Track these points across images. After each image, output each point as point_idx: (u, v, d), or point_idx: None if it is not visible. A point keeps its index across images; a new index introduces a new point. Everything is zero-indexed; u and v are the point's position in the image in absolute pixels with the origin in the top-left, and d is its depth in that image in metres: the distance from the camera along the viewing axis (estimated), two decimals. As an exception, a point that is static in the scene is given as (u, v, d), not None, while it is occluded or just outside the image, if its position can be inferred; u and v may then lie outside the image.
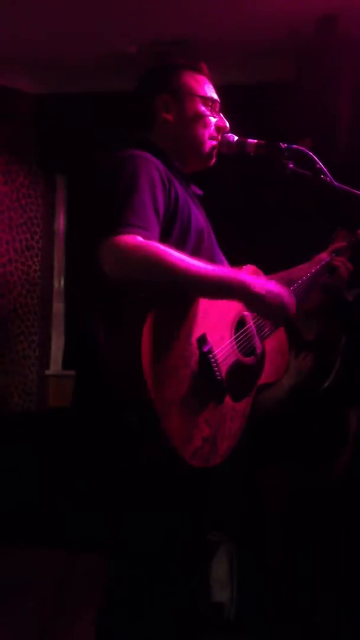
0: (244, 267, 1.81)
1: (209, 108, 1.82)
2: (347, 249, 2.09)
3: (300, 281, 1.94)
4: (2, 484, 3.67)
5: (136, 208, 1.54)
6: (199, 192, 1.85)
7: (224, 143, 1.84)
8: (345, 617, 2.88)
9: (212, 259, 1.60)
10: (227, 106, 1.90)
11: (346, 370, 3.04)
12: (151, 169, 1.63)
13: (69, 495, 3.43)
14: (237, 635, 3.04)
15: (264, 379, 1.78)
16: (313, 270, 2.01)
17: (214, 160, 1.86)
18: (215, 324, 1.63)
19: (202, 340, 1.58)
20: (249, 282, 1.59)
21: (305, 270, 2.00)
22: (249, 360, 1.72)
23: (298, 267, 2.03)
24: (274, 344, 1.69)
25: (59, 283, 4.44)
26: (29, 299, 4.27)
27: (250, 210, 3.74)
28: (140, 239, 1.50)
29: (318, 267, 2.04)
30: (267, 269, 1.88)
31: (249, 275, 1.63)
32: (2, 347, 4.17)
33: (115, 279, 1.51)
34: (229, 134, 1.85)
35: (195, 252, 1.63)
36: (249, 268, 1.83)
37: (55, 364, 4.41)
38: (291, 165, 1.81)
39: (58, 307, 4.44)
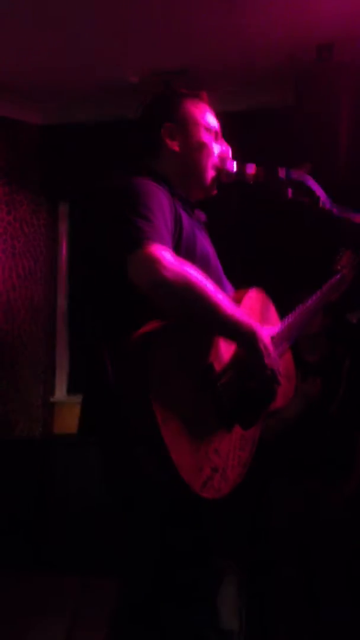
0: (249, 290, 1.81)
1: (212, 136, 1.85)
2: (355, 268, 2.09)
3: (307, 305, 1.95)
4: (8, 509, 3.66)
5: (154, 224, 1.56)
6: (204, 218, 1.87)
7: (224, 173, 1.86)
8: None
9: (217, 284, 1.61)
10: (228, 132, 1.92)
11: (352, 392, 3.04)
12: (159, 192, 1.66)
13: (74, 521, 3.41)
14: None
15: (272, 405, 1.78)
16: (319, 294, 2.01)
17: (215, 190, 1.88)
18: (222, 352, 1.63)
19: (209, 369, 1.58)
20: (258, 335, 1.61)
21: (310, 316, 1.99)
22: (256, 386, 1.71)
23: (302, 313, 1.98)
24: (281, 368, 1.68)
25: (62, 309, 4.45)
26: (33, 326, 4.29)
27: (251, 234, 3.76)
28: (168, 253, 1.51)
29: (327, 286, 2.05)
30: (270, 293, 1.88)
31: (260, 327, 1.63)
32: (6, 374, 4.17)
33: (147, 289, 1.50)
34: (229, 163, 1.87)
35: None
36: (253, 291, 1.83)
37: (60, 391, 4.41)
38: (290, 193, 1.83)
39: (62, 332, 4.45)
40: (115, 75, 3.77)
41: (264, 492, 3.05)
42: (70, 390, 4.40)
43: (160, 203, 1.62)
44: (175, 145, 1.81)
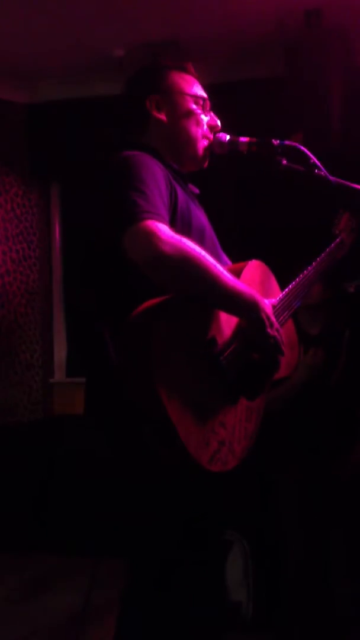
0: (249, 262, 1.78)
1: (200, 107, 1.82)
2: (354, 231, 2.07)
3: (307, 272, 1.93)
4: (16, 492, 3.67)
5: (149, 198, 1.53)
6: (196, 191, 1.84)
7: (216, 143, 1.83)
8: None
9: (214, 257, 1.59)
10: (218, 104, 1.89)
11: (353, 362, 3.04)
12: (152, 165, 1.63)
13: (80, 502, 3.42)
14: (255, 634, 3.03)
15: (276, 374, 1.76)
16: (318, 260, 2.00)
17: (207, 161, 1.85)
18: (223, 325, 1.61)
19: (212, 342, 1.56)
20: (260, 305, 1.59)
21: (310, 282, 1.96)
22: (260, 357, 1.70)
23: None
24: (283, 338, 1.67)
25: (58, 291, 4.43)
26: (29, 309, 4.27)
27: (247, 205, 3.73)
28: (165, 227, 1.49)
29: (326, 251, 2.02)
30: (269, 264, 1.87)
31: (261, 298, 1.62)
32: (5, 358, 4.17)
33: (144, 264, 1.48)
34: (221, 134, 1.84)
35: None
36: (254, 263, 1.80)
37: (59, 372, 4.41)
38: (285, 162, 1.80)
39: (58, 314, 4.44)
40: (101, 49, 3.72)
41: (270, 465, 3.06)
42: (69, 371, 4.40)
43: (155, 176, 1.60)
44: (162, 116, 1.78)
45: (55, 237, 4.45)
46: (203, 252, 1.52)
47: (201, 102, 1.82)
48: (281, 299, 1.81)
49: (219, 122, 1.85)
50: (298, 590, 2.95)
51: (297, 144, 1.78)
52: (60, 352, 4.42)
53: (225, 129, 1.85)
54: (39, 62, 3.89)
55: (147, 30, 3.54)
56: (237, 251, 1.86)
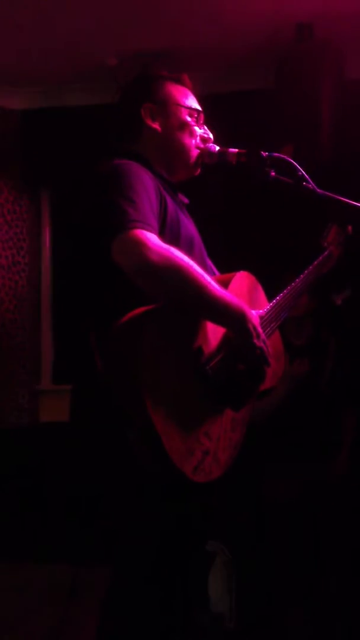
0: (237, 273, 1.79)
1: (194, 119, 1.83)
2: (341, 244, 2.09)
3: (294, 284, 1.95)
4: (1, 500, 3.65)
5: (139, 207, 1.54)
6: (186, 200, 1.86)
7: (206, 153, 1.84)
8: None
9: (201, 267, 1.60)
10: (210, 115, 1.91)
11: (338, 372, 3.06)
12: (143, 174, 1.64)
13: (65, 510, 3.40)
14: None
15: (262, 385, 1.77)
16: (306, 272, 2.01)
17: (198, 171, 1.87)
18: (210, 335, 1.62)
19: (198, 352, 1.57)
20: (248, 316, 1.60)
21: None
22: (246, 368, 1.70)
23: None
24: (269, 349, 1.68)
25: (47, 298, 4.42)
26: (17, 315, 4.26)
27: (235, 217, 3.75)
28: (154, 236, 1.50)
29: (314, 264, 2.04)
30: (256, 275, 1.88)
31: (248, 309, 1.63)
32: (-9, 364, 4.15)
33: (133, 273, 1.49)
34: (211, 144, 1.85)
35: None
36: (242, 274, 1.81)
37: (46, 379, 4.39)
38: (273, 173, 1.82)
39: (47, 321, 4.42)
40: (95, 58, 3.73)
41: (257, 474, 3.07)
42: (56, 378, 4.38)
43: (145, 185, 1.61)
44: (156, 126, 1.79)
45: (46, 244, 4.44)
46: (191, 262, 1.53)
47: (195, 114, 1.84)
48: (268, 310, 1.81)
49: (211, 135, 1.86)
50: (283, 598, 2.96)
51: (285, 156, 1.80)
52: (47, 359, 4.40)
53: (215, 140, 1.87)
54: (32, 68, 3.89)
55: (140, 40, 3.55)
56: (225, 262, 1.87)
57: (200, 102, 1.88)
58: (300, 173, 1.79)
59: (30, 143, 4.22)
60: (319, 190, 1.80)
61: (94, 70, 3.81)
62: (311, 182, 1.80)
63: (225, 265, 1.85)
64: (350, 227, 2.12)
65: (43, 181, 4.35)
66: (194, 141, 1.82)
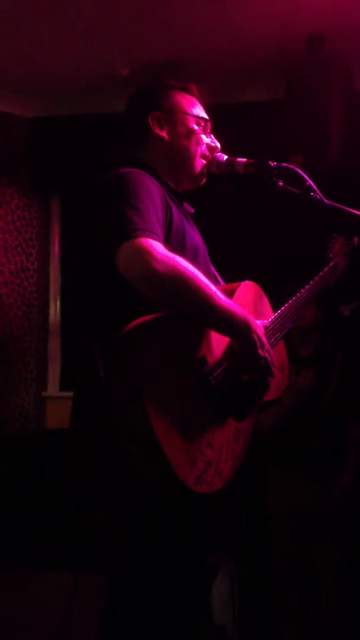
0: (242, 282, 1.79)
1: (201, 128, 1.84)
2: (347, 255, 2.08)
3: (300, 294, 1.94)
4: (3, 506, 3.64)
5: (144, 216, 1.54)
6: (191, 210, 1.85)
7: (213, 163, 1.85)
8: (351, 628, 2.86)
9: (206, 277, 1.60)
10: (218, 125, 1.91)
11: (344, 385, 3.04)
12: (149, 182, 1.64)
13: (69, 518, 3.39)
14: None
15: (266, 396, 1.76)
16: (312, 283, 2.00)
17: (204, 180, 1.87)
18: (214, 344, 1.61)
19: (202, 362, 1.56)
20: (253, 326, 1.60)
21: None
22: (250, 378, 1.70)
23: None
24: (274, 360, 1.67)
25: (55, 304, 4.44)
26: (25, 321, 4.27)
27: (242, 227, 3.75)
28: (159, 245, 1.50)
29: (319, 274, 2.03)
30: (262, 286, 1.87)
31: (253, 319, 1.62)
32: (-1, 370, 4.16)
33: (138, 282, 1.49)
34: (219, 154, 1.86)
35: None
36: (248, 284, 1.81)
37: (53, 386, 4.40)
38: (281, 184, 1.82)
39: (55, 328, 4.43)
40: (105, 67, 3.75)
41: (259, 486, 3.05)
42: (63, 385, 4.38)
43: (151, 193, 1.61)
44: (163, 134, 1.79)
45: (55, 251, 4.46)
46: (196, 271, 1.53)
47: (202, 124, 1.84)
48: (273, 321, 1.81)
49: (218, 145, 1.87)
50: (285, 611, 2.94)
51: (293, 167, 1.80)
52: (54, 366, 4.41)
53: (223, 150, 1.87)
54: (43, 76, 3.92)
55: (151, 49, 3.57)
56: (231, 272, 1.87)
57: (208, 111, 1.88)
58: (308, 183, 1.79)
59: (40, 150, 4.25)
60: (326, 200, 1.80)
61: (105, 79, 3.84)
62: (319, 192, 1.79)
63: (230, 275, 1.85)
64: (356, 239, 2.11)
65: (52, 188, 4.38)
66: (200, 150, 1.82)
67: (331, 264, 2.07)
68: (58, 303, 4.44)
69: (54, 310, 4.44)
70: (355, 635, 2.91)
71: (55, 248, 4.46)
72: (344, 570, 2.93)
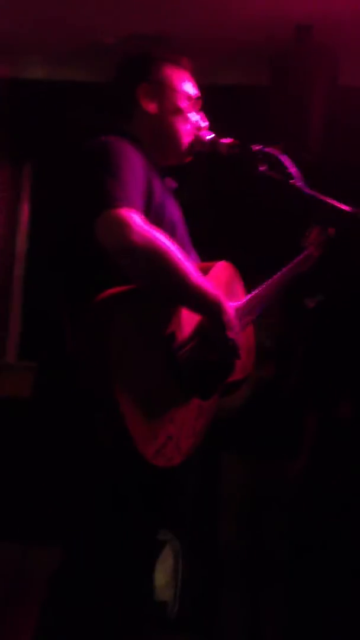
0: (217, 262, 1.79)
1: (191, 104, 1.82)
2: (322, 246, 2.09)
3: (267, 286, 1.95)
4: None
5: (125, 185, 1.52)
6: (174, 185, 1.84)
7: (198, 141, 1.83)
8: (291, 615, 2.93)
9: (183, 253, 1.59)
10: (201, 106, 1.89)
11: (303, 376, 3.09)
12: (132, 153, 1.62)
13: (21, 487, 3.37)
14: (178, 635, 3.04)
15: (231, 377, 1.77)
16: (285, 270, 2.00)
17: (190, 158, 1.86)
18: (184, 322, 1.61)
19: (171, 337, 1.56)
20: (224, 307, 1.60)
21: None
22: (217, 358, 1.71)
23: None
24: (241, 341, 1.68)
25: (19, 272, 4.36)
26: (-14, 285, 4.20)
27: (220, 208, 3.74)
28: (138, 217, 1.48)
29: (293, 262, 2.03)
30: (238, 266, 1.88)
31: (225, 299, 1.62)
32: None
33: (114, 252, 1.48)
34: (204, 132, 1.84)
35: None
36: (222, 264, 1.81)
37: (10, 354, 4.34)
38: (262, 168, 1.82)
39: (17, 295, 4.36)
40: (91, 34, 3.68)
41: (213, 469, 3.08)
42: (21, 355, 4.33)
43: (133, 164, 1.59)
44: (150, 107, 1.77)
45: (23, 217, 4.38)
46: (173, 247, 1.52)
47: (192, 100, 1.82)
48: (244, 303, 1.82)
49: (206, 123, 1.85)
50: (230, 586, 2.98)
51: (277, 152, 1.80)
52: (14, 334, 4.35)
53: (211, 128, 1.85)
54: (27, 38, 3.81)
55: (138, 21, 3.51)
56: (206, 250, 1.86)
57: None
58: (289, 170, 1.79)
59: (17, 113, 4.14)
60: (306, 189, 1.80)
61: (91, 46, 3.76)
62: (300, 180, 1.80)
63: (208, 254, 1.85)
64: (331, 230, 2.13)
65: (26, 153, 4.28)
66: (187, 127, 1.80)
67: (305, 252, 2.08)
68: (23, 271, 4.37)
69: (17, 277, 4.37)
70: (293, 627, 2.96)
71: (25, 214, 4.38)
72: (288, 561, 2.99)
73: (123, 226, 1.46)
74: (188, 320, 1.62)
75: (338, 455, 3.12)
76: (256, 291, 1.88)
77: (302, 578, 3.02)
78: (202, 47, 3.64)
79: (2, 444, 3.62)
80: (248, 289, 1.88)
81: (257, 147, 1.81)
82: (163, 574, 3.17)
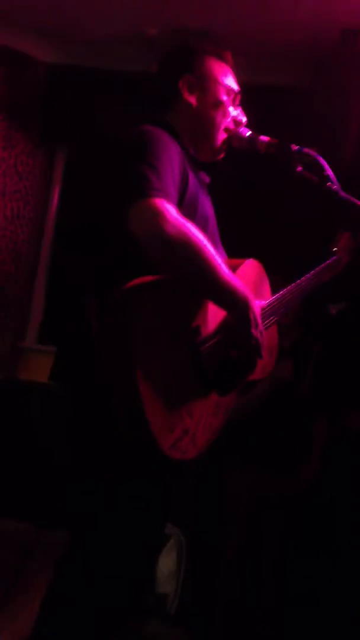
0: (246, 260, 1.79)
1: (230, 99, 1.81)
2: (351, 252, 2.08)
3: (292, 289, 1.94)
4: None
5: (161, 175, 1.52)
6: (207, 179, 1.84)
7: (236, 137, 1.83)
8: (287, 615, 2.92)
9: (214, 248, 1.59)
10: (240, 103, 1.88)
11: (316, 380, 3.07)
12: (170, 144, 1.62)
13: (36, 469, 3.39)
14: (176, 628, 3.05)
15: (251, 375, 1.77)
16: (313, 273, 1.99)
17: (223, 154, 1.85)
18: (210, 317, 1.61)
19: (195, 331, 1.56)
20: (251, 304, 1.60)
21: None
22: (239, 355, 1.70)
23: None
24: (265, 341, 1.68)
25: (45, 256, 4.39)
26: (12, 268, 4.22)
27: (253, 205, 3.72)
28: (173, 208, 1.48)
29: (321, 266, 2.03)
30: (267, 265, 1.87)
31: (252, 297, 1.62)
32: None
33: (146, 241, 1.48)
34: (242, 129, 1.84)
35: None
36: (251, 262, 1.81)
37: (31, 337, 4.37)
38: (299, 168, 1.81)
39: (41, 280, 4.39)
40: (133, 25, 3.68)
41: (218, 465, 3.08)
42: (41, 338, 4.36)
43: (170, 154, 1.59)
44: (191, 99, 1.77)
45: (53, 202, 4.40)
46: (205, 240, 1.52)
47: (233, 95, 1.82)
48: (270, 303, 1.81)
49: (245, 119, 1.85)
50: (228, 587, 2.98)
51: (315, 154, 1.78)
52: (36, 318, 4.38)
53: (248, 126, 1.85)
54: (69, 24, 3.83)
55: (183, 14, 3.50)
56: (235, 247, 1.86)
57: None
58: (326, 172, 1.78)
59: (55, 98, 4.16)
60: (342, 193, 1.79)
61: (131, 36, 3.76)
62: (337, 183, 1.79)
63: (235, 250, 1.85)
64: None
65: (61, 139, 4.29)
66: (225, 122, 1.80)
67: (334, 257, 2.06)
68: (48, 256, 4.39)
69: (43, 262, 4.39)
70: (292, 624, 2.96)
71: (54, 199, 4.40)
72: (286, 562, 2.98)
73: (157, 216, 1.46)
74: (213, 316, 1.62)
75: (346, 464, 3.10)
76: (282, 292, 1.87)
77: (302, 578, 3.01)
78: (245, 44, 3.62)
79: (20, 426, 3.65)
80: (274, 288, 1.87)
81: (295, 147, 1.80)
82: (166, 567, 3.18)
